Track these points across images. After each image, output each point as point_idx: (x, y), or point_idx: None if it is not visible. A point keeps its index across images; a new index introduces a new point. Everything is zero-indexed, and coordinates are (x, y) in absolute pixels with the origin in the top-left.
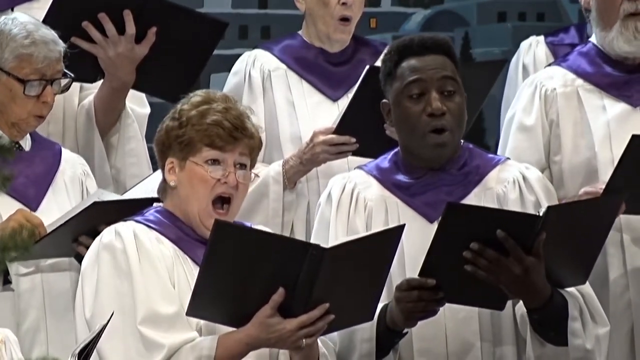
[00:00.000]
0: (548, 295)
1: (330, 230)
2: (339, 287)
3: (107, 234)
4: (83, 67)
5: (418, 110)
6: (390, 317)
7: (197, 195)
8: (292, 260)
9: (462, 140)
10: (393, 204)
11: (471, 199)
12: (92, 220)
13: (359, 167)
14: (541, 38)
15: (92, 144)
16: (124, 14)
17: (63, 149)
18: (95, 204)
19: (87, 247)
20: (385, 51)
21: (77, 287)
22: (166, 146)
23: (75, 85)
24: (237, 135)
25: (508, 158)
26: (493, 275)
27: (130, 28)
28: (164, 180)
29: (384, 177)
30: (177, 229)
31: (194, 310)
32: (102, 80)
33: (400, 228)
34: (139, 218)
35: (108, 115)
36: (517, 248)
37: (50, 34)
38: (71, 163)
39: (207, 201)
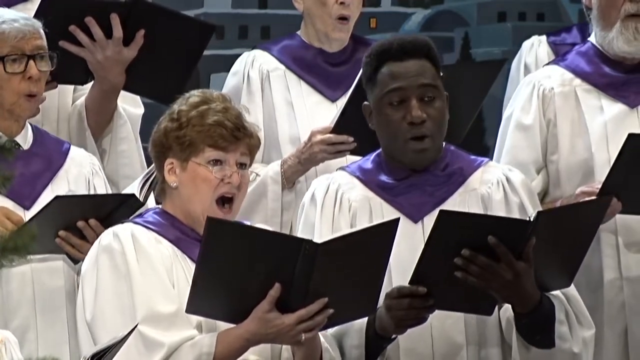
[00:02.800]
0: (537, 299)
1: (315, 231)
2: (336, 281)
3: (106, 237)
4: (73, 69)
5: (398, 118)
6: (379, 324)
7: (200, 196)
8: (286, 256)
9: (444, 142)
10: (377, 205)
11: (455, 200)
12: (63, 215)
13: (342, 168)
14: (543, 38)
15: (85, 145)
16: (111, 18)
17: (73, 148)
18: (57, 198)
19: (69, 243)
20: (365, 54)
21: (69, 285)
22: (166, 147)
23: (69, 87)
24: (238, 135)
25: (490, 159)
26: (484, 281)
27: (118, 31)
28: (163, 181)
29: (367, 178)
30: (175, 230)
31: (192, 306)
32: (93, 82)
33: (395, 221)
34: (137, 220)
35: (100, 117)
36: (508, 254)
37: (22, 13)
38: (78, 162)
39: (211, 201)
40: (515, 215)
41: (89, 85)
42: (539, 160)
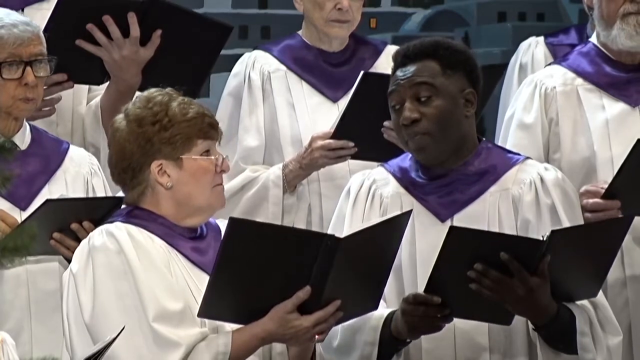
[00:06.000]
0: (553, 313)
1: (345, 224)
2: (350, 279)
3: (98, 237)
4: (90, 69)
5: (398, 121)
6: (395, 326)
7: (202, 189)
8: (307, 252)
9: (483, 138)
10: (408, 202)
11: (486, 199)
12: (55, 218)
13: (382, 165)
14: (541, 39)
15: (99, 145)
16: (128, 17)
17: (72, 147)
18: (47, 201)
19: (63, 245)
20: None
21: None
22: (150, 152)
23: (84, 87)
24: (215, 123)
25: (528, 157)
26: (497, 294)
27: (135, 31)
28: (145, 185)
29: (402, 175)
30: (161, 225)
31: (205, 311)
32: (108, 82)
33: (408, 213)
34: (122, 218)
35: (115, 117)
36: (521, 270)
37: (23, 17)
38: (77, 161)
39: (210, 189)
40: (546, 216)
41: (104, 86)
42: (541, 159)
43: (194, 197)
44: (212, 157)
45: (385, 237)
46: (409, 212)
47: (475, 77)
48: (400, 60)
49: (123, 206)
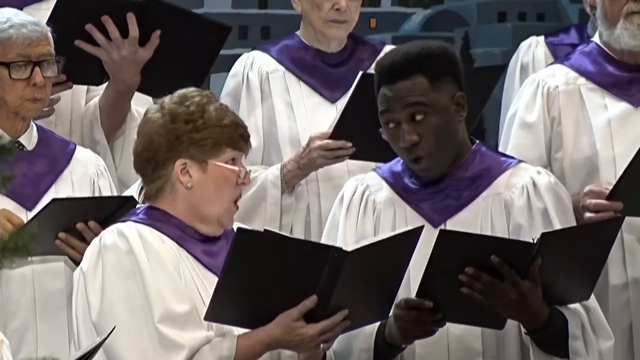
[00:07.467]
0: (546, 316)
1: (339, 231)
2: (357, 290)
3: (109, 236)
4: (89, 69)
5: (396, 140)
6: (388, 332)
7: (221, 197)
8: (313, 264)
9: (477, 141)
10: (401, 208)
11: (479, 204)
12: (61, 218)
13: (374, 170)
14: (541, 38)
15: (98, 145)
16: (127, 17)
17: (79, 148)
18: (54, 200)
19: (69, 245)
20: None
21: (71, 287)
22: (177, 149)
23: (82, 87)
24: (247, 136)
25: (521, 161)
26: (489, 298)
27: (134, 31)
28: (165, 182)
29: (394, 181)
30: (174, 227)
31: (212, 315)
32: (107, 83)
33: (419, 229)
34: (135, 218)
35: (113, 118)
36: (512, 273)
37: (32, 17)
38: (84, 162)
39: (230, 201)
40: (538, 221)
41: (103, 86)
42: (543, 158)
43: (209, 203)
44: (237, 168)
45: (394, 251)
46: (421, 228)
47: (460, 77)
48: (385, 77)
49: (139, 205)
